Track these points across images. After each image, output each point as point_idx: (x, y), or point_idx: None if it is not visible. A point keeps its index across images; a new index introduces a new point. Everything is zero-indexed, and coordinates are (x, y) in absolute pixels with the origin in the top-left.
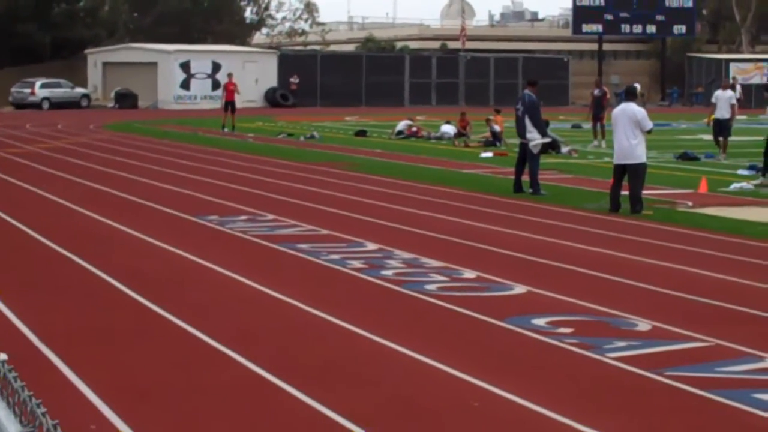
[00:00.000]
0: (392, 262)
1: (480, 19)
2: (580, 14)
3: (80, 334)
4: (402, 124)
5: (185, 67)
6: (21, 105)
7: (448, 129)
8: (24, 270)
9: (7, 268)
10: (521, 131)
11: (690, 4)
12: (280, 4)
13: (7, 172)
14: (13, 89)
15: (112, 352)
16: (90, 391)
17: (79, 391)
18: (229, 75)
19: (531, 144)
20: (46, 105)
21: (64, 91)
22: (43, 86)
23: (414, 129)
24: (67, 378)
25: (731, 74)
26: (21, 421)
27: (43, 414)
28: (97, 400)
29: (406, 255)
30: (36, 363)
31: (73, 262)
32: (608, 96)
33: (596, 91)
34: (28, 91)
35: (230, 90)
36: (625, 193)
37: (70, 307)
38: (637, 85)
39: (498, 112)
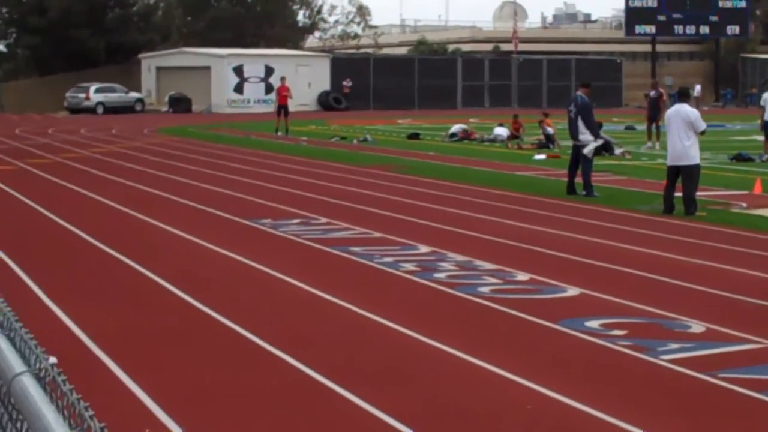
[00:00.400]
0: (445, 265)
1: (532, 21)
2: (633, 15)
3: (133, 337)
4: (456, 127)
5: (238, 71)
6: (76, 110)
7: (501, 131)
8: (77, 272)
9: (61, 271)
10: (574, 133)
11: (743, 5)
12: (333, 8)
13: (62, 176)
14: (68, 94)
15: (165, 355)
16: (144, 393)
17: (132, 394)
18: (282, 79)
19: (585, 150)
20: (100, 110)
21: (118, 95)
22: (97, 91)
23: (467, 131)
24: (121, 380)
25: None
26: (70, 425)
27: (91, 417)
28: (151, 402)
29: (460, 258)
30: (88, 365)
31: (126, 264)
32: (664, 98)
33: (652, 93)
34: (82, 96)
35: (283, 94)
36: (678, 194)
37: (123, 309)
38: (699, 87)
39: (546, 115)
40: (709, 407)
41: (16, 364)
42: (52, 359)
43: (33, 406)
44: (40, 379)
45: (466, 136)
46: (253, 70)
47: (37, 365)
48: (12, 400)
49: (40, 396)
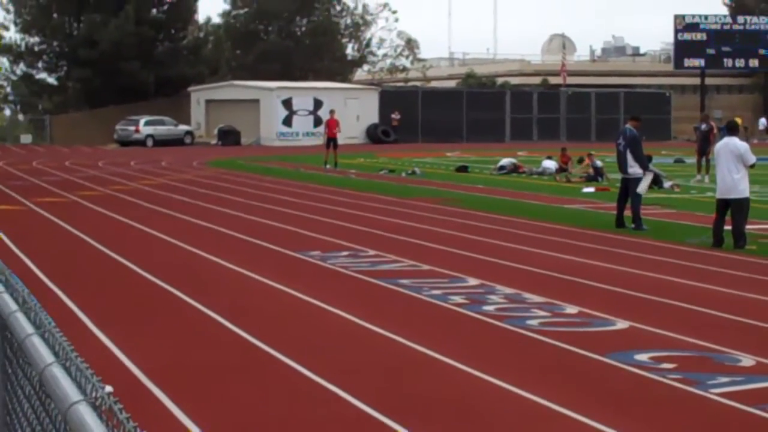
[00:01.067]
0: (494, 298)
1: (581, 54)
2: (682, 49)
3: (184, 369)
4: (505, 161)
5: (287, 104)
6: (126, 142)
7: (550, 164)
8: (126, 303)
9: (110, 301)
10: (623, 166)
11: None
12: (382, 41)
13: (112, 208)
14: (117, 127)
15: (215, 387)
16: (195, 426)
17: (184, 427)
18: (332, 112)
19: (639, 189)
20: (150, 142)
21: (167, 128)
22: (147, 123)
23: (516, 165)
24: (171, 411)
25: None
26: None
27: None
28: None
29: (508, 290)
30: (138, 396)
31: (175, 296)
32: (715, 131)
33: (703, 126)
34: (132, 128)
35: (332, 128)
36: (728, 227)
37: (174, 341)
38: (763, 120)
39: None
40: None
41: (72, 392)
42: (108, 388)
43: None
44: (95, 408)
45: (514, 169)
46: (302, 103)
47: (93, 394)
48: (69, 429)
49: (96, 424)
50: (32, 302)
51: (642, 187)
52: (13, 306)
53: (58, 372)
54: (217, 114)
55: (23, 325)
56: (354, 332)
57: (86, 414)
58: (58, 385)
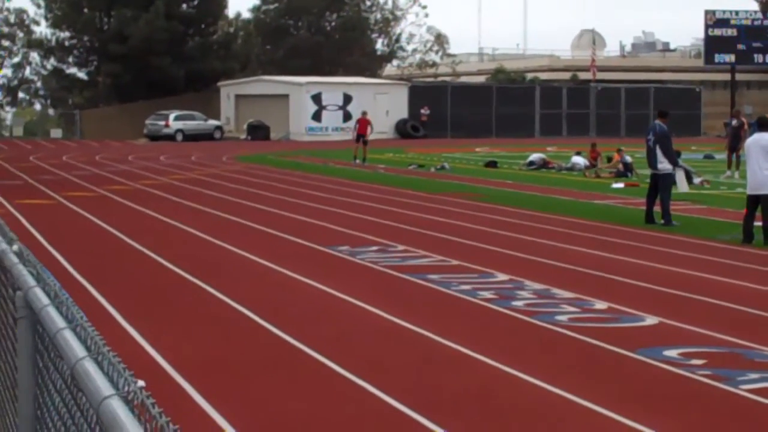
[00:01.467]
0: (523, 293)
1: (611, 49)
2: (713, 44)
3: (213, 364)
4: (535, 156)
5: (317, 99)
6: (155, 137)
7: (579, 160)
8: (156, 298)
9: (140, 296)
10: (652, 162)
11: None
12: (411, 36)
13: (142, 203)
14: (147, 121)
15: (245, 383)
16: (225, 421)
17: (214, 422)
18: (364, 113)
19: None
20: (179, 137)
21: (197, 123)
22: (177, 118)
23: (545, 161)
24: (202, 408)
25: None
26: None
27: None
28: (233, 431)
29: (537, 286)
30: (169, 391)
31: (205, 290)
32: (746, 127)
33: (734, 122)
34: (162, 123)
35: (363, 126)
36: (758, 224)
37: (202, 335)
38: None
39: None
40: None
41: (104, 387)
42: (141, 382)
43: (122, 429)
44: (128, 402)
45: (543, 164)
46: (332, 98)
47: (126, 388)
48: (101, 424)
49: (129, 419)
50: (64, 296)
51: (682, 186)
52: (45, 300)
53: (90, 366)
54: (247, 109)
55: (55, 319)
56: (383, 327)
57: (118, 408)
58: (90, 379)
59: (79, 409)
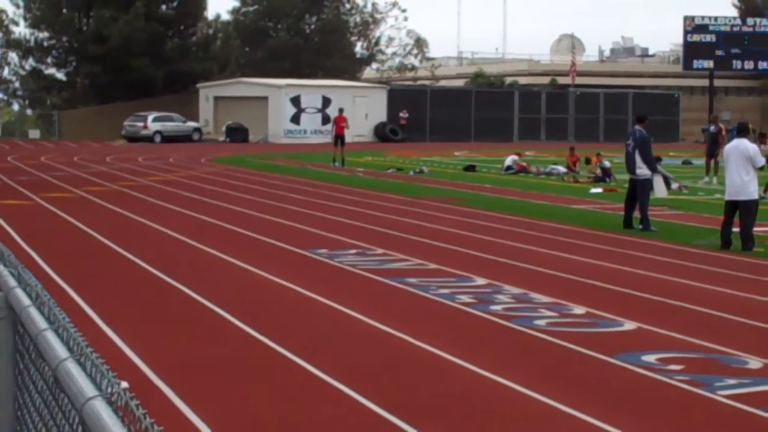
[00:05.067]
0: (501, 297)
1: (590, 54)
2: (691, 50)
3: (190, 365)
4: (509, 159)
5: (296, 101)
6: (134, 138)
7: (557, 166)
8: (134, 300)
9: (118, 298)
10: (631, 167)
11: None
12: (390, 40)
13: (120, 204)
14: (126, 123)
15: (223, 385)
16: (201, 422)
17: (191, 423)
18: (340, 110)
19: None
20: (158, 138)
21: (175, 124)
22: (155, 120)
23: (523, 164)
24: (178, 408)
25: None
26: None
27: None
28: None
29: (515, 290)
30: (147, 392)
31: (183, 292)
32: (724, 133)
33: (712, 128)
34: (140, 124)
35: (341, 125)
36: (736, 229)
37: (180, 337)
38: None
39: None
40: None
41: (87, 388)
42: (124, 384)
43: (106, 431)
44: (111, 403)
45: (522, 168)
46: (311, 101)
47: (109, 390)
48: (84, 425)
49: (113, 421)
50: (45, 297)
51: (660, 191)
52: (27, 301)
53: (72, 367)
54: (226, 111)
55: (36, 320)
56: (361, 330)
57: (102, 410)
58: (73, 380)
59: (61, 410)
